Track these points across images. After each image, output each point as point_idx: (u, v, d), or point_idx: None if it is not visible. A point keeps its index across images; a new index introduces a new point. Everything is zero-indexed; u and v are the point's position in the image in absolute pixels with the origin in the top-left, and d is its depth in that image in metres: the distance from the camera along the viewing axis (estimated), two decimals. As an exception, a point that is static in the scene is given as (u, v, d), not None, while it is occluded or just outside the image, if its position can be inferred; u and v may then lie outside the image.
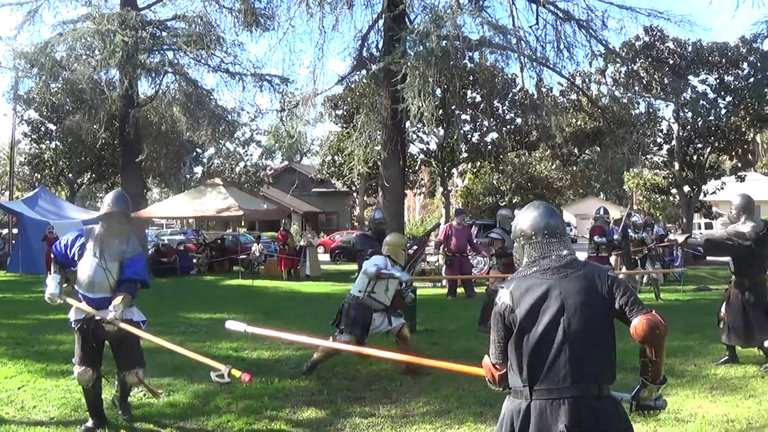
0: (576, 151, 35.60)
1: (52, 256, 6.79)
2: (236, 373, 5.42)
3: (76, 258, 6.57)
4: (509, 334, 3.57)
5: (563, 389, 3.39)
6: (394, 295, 9.10)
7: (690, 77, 30.07)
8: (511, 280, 3.70)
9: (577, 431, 3.35)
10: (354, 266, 26.93)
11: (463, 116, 33.29)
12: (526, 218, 3.84)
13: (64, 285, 6.76)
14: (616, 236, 16.02)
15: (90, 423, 6.57)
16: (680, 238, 10.49)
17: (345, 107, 35.25)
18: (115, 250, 6.50)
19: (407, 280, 9.23)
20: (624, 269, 16.33)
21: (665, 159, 33.39)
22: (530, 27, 22.98)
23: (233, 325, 6.29)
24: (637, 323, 3.40)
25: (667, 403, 3.69)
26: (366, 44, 23.36)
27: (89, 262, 6.49)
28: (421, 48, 19.52)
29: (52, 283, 6.62)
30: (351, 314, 8.73)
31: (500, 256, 12.76)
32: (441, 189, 40.82)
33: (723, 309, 9.09)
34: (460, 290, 18.12)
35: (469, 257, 19.18)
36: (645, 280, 18.20)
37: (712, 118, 30.16)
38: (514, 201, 41.09)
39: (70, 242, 6.65)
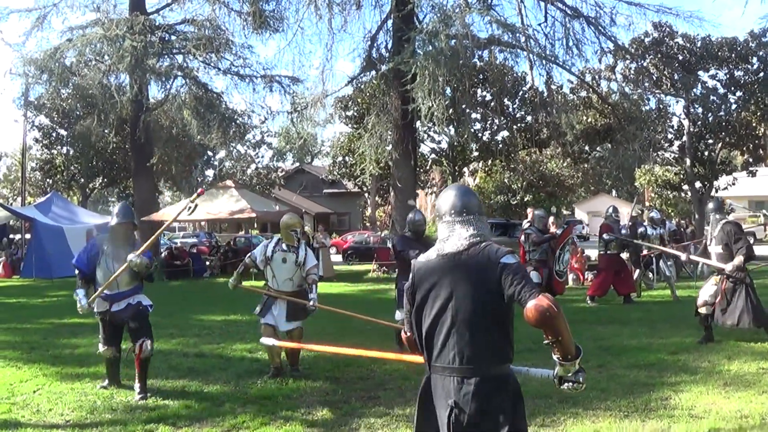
0: (587, 148, 35.50)
1: (77, 271, 8.12)
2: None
3: (94, 264, 8.01)
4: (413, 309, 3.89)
5: (453, 369, 3.68)
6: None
7: (700, 73, 29.96)
8: (421, 258, 3.93)
9: (463, 406, 3.64)
10: (368, 266, 27.00)
11: (474, 115, 33.25)
12: (442, 197, 3.99)
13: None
14: (624, 231, 16.23)
15: (105, 382, 8.29)
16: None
17: (355, 108, 35.25)
18: (124, 254, 7.82)
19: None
20: (633, 267, 16.43)
21: (676, 155, 33.30)
22: (539, 25, 23.05)
23: None
24: (526, 310, 3.50)
25: (585, 374, 3.65)
26: (375, 45, 23.42)
27: (104, 265, 7.93)
28: (431, 47, 19.54)
29: (80, 296, 8.01)
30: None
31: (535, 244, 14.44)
32: (452, 188, 40.73)
33: None
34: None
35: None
36: (657, 278, 18.12)
37: (722, 113, 30.06)
38: (525, 199, 40.92)
39: (87, 253, 8.08)
